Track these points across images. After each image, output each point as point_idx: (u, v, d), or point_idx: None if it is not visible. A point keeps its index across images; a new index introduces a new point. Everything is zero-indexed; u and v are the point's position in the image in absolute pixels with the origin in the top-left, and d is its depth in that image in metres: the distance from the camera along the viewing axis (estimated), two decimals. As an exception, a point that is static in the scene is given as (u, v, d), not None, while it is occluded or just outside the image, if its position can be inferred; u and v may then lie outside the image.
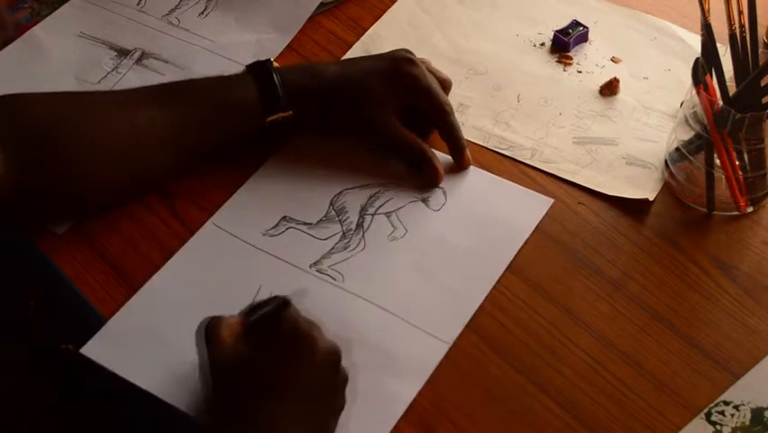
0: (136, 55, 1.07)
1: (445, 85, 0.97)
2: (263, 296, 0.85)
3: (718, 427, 0.78)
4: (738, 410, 0.78)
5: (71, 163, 0.88)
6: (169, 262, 0.89)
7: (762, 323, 0.84)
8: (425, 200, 0.93)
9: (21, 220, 0.92)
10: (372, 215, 0.92)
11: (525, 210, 0.92)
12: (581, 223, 0.92)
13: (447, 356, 0.82)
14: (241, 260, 0.89)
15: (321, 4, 1.13)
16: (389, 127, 0.94)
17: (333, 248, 0.90)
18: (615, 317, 0.85)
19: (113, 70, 1.06)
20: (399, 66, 0.94)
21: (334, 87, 0.95)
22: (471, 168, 0.96)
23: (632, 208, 0.93)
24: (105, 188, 0.91)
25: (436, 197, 0.94)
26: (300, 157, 0.97)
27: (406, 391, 0.79)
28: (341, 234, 0.91)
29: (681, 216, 0.93)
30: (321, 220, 0.92)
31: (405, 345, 0.82)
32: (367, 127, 0.95)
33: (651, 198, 0.94)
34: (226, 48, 1.08)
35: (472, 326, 0.84)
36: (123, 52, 1.08)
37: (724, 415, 0.78)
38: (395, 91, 0.94)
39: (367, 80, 0.95)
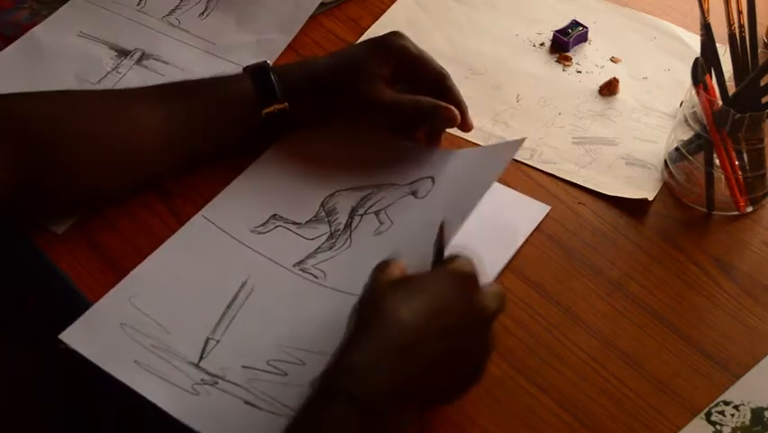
0: (136, 55, 1.07)
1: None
2: (247, 291, 0.86)
3: (718, 427, 0.78)
4: (738, 410, 0.78)
5: (71, 162, 0.89)
6: (156, 251, 0.89)
7: (762, 323, 0.85)
8: (414, 193, 0.93)
9: (20, 219, 0.92)
10: (362, 215, 0.92)
11: (522, 217, 0.92)
12: (581, 223, 0.92)
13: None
14: (226, 254, 0.89)
15: (321, 4, 1.13)
16: (384, 94, 0.93)
17: (318, 248, 0.90)
18: (615, 317, 0.85)
19: (113, 70, 1.06)
20: (387, 39, 0.94)
21: (327, 71, 0.95)
22: (451, 150, 0.96)
23: (632, 208, 0.93)
24: (105, 186, 0.92)
25: (425, 186, 0.93)
26: (294, 155, 0.97)
27: None
28: (328, 234, 0.91)
29: (680, 216, 0.93)
30: (310, 220, 0.92)
31: None
32: (363, 101, 0.93)
33: (650, 198, 0.94)
34: (226, 49, 1.08)
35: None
36: (123, 52, 1.08)
37: (724, 415, 0.78)
38: (384, 61, 0.93)
39: (356, 58, 0.95)
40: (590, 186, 0.95)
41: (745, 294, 0.87)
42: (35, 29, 1.10)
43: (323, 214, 0.92)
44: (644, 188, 0.95)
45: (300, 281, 0.87)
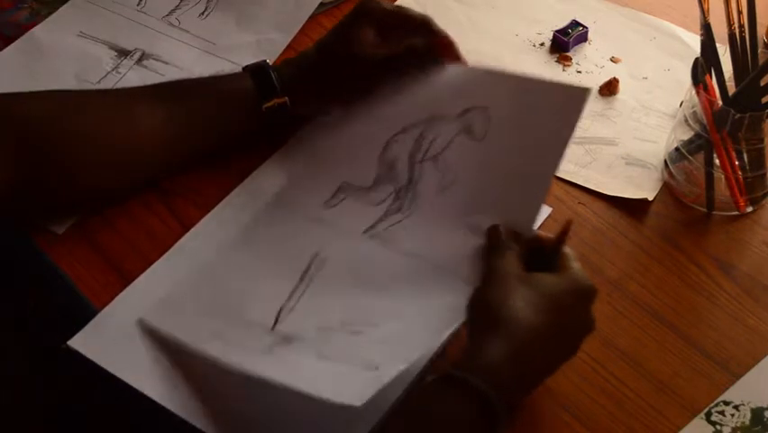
0: (136, 56, 1.07)
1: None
2: (319, 263, 0.87)
3: (718, 427, 0.78)
4: (738, 410, 0.78)
5: (71, 162, 0.89)
6: (228, 237, 0.90)
7: (762, 323, 0.85)
8: (467, 130, 0.90)
9: (20, 219, 0.92)
10: (421, 162, 0.91)
11: (562, 106, 0.86)
12: (581, 223, 0.92)
13: (448, 357, 0.81)
14: (298, 231, 0.90)
15: (321, 4, 1.13)
16: (377, 50, 0.93)
17: (386, 211, 0.90)
18: (615, 317, 0.85)
19: (113, 70, 1.06)
20: (363, 5, 0.94)
21: (318, 53, 0.96)
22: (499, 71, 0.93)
23: (632, 208, 0.93)
24: (105, 186, 0.92)
25: (479, 121, 0.90)
26: (336, 120, 0.96)
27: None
28: (393, 195, 0.91)
29: (680, 216, 0.93)
30: (375, 183, 0.92)
31: (453, 297, 0.81)
32: (360, 66, 0.94)
33: (650, 198, 0.94)
34: (226, 49, 1.08)
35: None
36: (123, 52, 1.08)
37: (724, 415, 0.78)
38: (367, 24, 0.94)
39: (340, 30, 0.95)
40: (590, 186, 0.95)
41: (745, 294, 0.87)
42: (35, 29, 1.10)
43: (385, 169, 0.92)
44: (644, 188, 0.95)
45: (371, 247, 0.88)
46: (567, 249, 0.79)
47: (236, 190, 0.94)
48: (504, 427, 0.70)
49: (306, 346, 0.80)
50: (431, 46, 0.93)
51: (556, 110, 0.86)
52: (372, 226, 0.89)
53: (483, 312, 0.75)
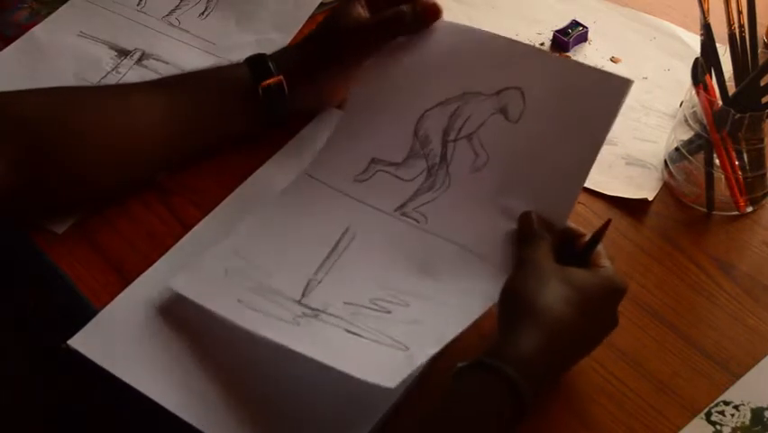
0: (136, 55, 1.07)
1: None
2: (349, 238, 0.88)
3: (718, 427, 0.78)
4: (738, 410, 0.78)
5: (70, 161, 0.89)
6: (261, 206, 0.91)
7: (762, 323, 0.85)
8: (503, 110, 0.89)
9: (20, 219, 0.92)
10: (454, 140, 0.90)
11: (602, 95, 0.86)
12: (581, 223, 0.92)
13: (448, 357, 0.81)
14: (329, 206, 0.90)
15: (321, 4, 1.13)
16: (367, 20, 0.95)
17: (418, 189, 0.90)
18: (615, 317, 0.85)
19: (113, 70, 1.06)
20: None
21: (313, 35, 0.98)
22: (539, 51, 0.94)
23: (632, 208, 0.93)
24: (105, 182, 0.92)
25: (514, 102, 0.89)
26: (374, 86, 0.95)
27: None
28: (426, 171, 0.90)
29: (680, 216, 0.93)
30: (407, 158, 0.91)
31: (481, 282, 0.82)
32: (353, 37, 0.95)
33: (650, 198, 0.94)
34: (226, 49, 1.08)
35: (473, 327, 0.84)
36: (123, 52, 1.08)
37: (724, 415, 0.78)
38: (357, 1, 0.95)
39: (333, 12, 0.97)
40: (590, 186, 0.95)
41: (745, 294, 0.87)
42: (35, 29, 1.10)
43: (417, 146, 0.91)
44: (644, 188, 0.95)
45: (401, 226, 0.88)
46: (600, 247, 0.80)
47: (237, 191, 0.94)
48: (528, 416, 0.71)
49: (333, 320, 0.80)
50: (416, 4, 0.94)
51: (595, 99, 0.86)
52: (404, 204, 0.89)
53: (516, 302, 0.76)
